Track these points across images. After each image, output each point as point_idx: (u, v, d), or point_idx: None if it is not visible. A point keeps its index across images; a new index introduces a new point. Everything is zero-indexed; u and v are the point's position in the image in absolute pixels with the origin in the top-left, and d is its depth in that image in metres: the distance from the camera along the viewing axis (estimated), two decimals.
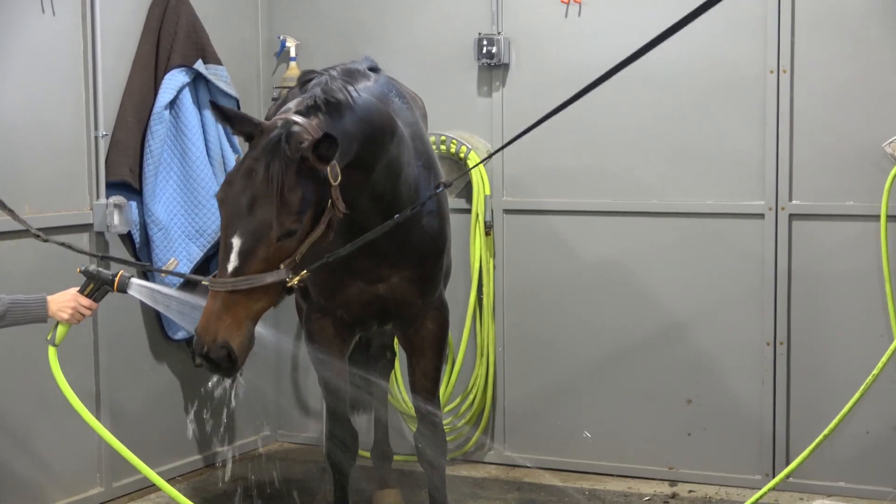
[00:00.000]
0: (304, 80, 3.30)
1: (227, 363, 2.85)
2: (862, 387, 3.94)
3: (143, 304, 4.36)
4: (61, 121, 4.01)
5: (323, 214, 2.98)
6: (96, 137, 4.16)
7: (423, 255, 3.61)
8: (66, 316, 3.11)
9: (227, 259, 2.90)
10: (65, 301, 3.14)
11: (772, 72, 4.21)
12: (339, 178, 2.96)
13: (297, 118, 2.99)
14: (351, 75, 3.37)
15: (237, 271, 2.86)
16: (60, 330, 3.11)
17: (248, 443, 5.24)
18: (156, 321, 4.60)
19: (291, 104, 3.19)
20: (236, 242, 2.88)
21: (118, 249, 4.38)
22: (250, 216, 2.86)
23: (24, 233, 3.62)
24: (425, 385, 3.80)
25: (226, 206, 2.94)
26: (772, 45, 4.31)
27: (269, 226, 2.87)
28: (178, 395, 4.80)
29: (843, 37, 4.23)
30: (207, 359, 2.89)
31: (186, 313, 3.31)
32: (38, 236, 3.42)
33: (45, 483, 4.13)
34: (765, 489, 4.03)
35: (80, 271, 3.19)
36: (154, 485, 3.69)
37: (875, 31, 4.28)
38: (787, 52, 4.23)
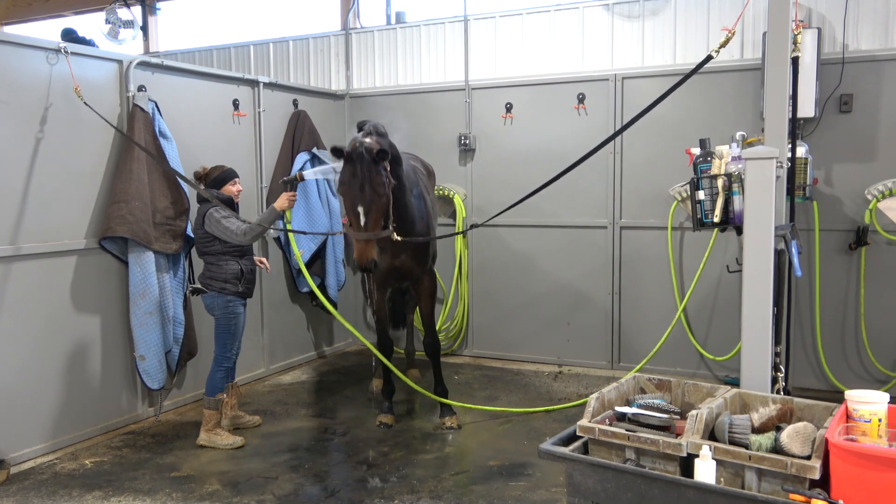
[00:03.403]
0: (359, 125, 4.42)
1: (374, 267, 3.93)
2: (672, 322, 5.56)
3: (287, 274, 6.14)
4: (245, 180, 5.68)
5: (387, 185, 3.92)
6: (262, 188, 6.19)
7: (418, 246, 4.64)
8: (286, 204, 4.33)
9: (358, 220, 3.82)
10: (283, 198, 4.30)
11: (611, 153, 6.06)
12: (389, 167, 3.94)
13: (366, 139, 3.98)
14: (380, 131, 4.31)
15: (366, 225, 3.83)
16: (287, 215, 4.59)
17: (340, 345, 7.09)
18: (292, 282, 6.37)
19: (358, 134, 4.17)
20: (361, 210, 3.84)
21: (272, 244, 6.16)
22: (362, 193, 3.83)
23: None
24: (427, 315, 4.94)
25: (347, 194, 3.85)
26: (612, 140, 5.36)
27: (374, 195, 3.79)
28: (303, 319, 6.67)
29: (648, 135, 5.89)
30: (365, 269, 3.90)
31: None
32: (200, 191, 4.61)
33: (249, 360, 6.00)
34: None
35: (281, 181, 4.44)
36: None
37: (662, 132, 5.85)
38: (619, 143, 6.03)
